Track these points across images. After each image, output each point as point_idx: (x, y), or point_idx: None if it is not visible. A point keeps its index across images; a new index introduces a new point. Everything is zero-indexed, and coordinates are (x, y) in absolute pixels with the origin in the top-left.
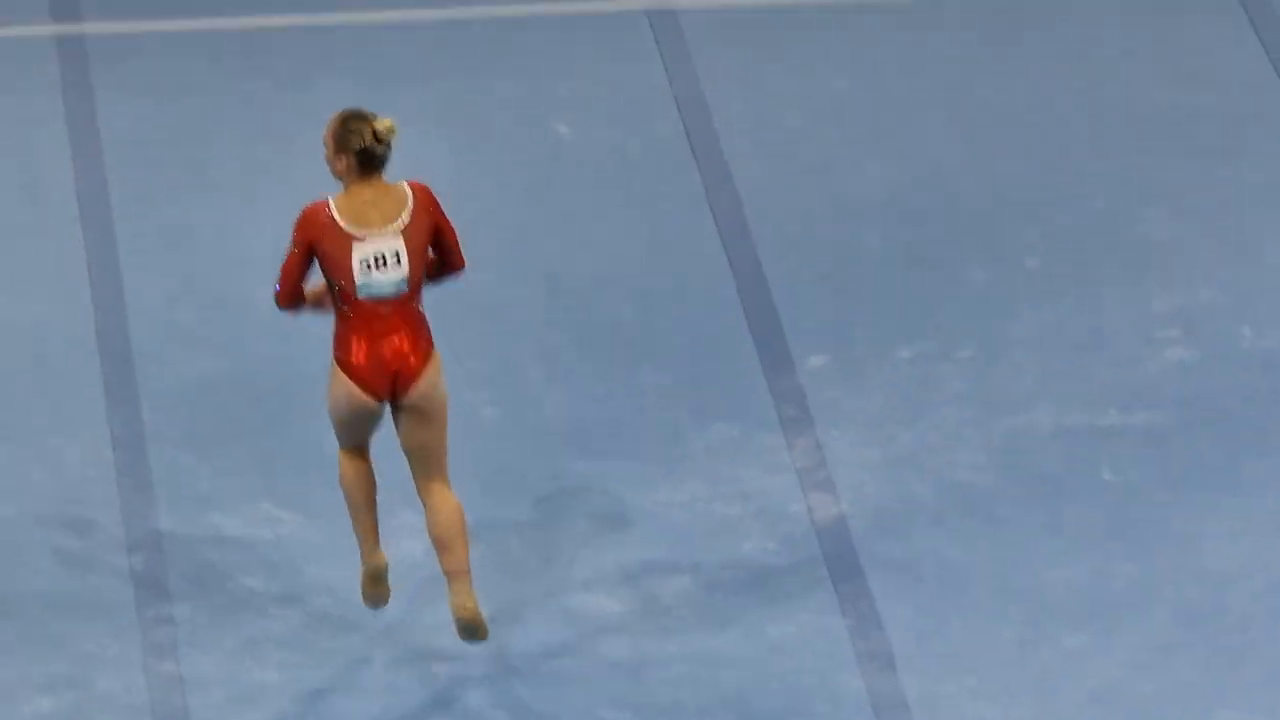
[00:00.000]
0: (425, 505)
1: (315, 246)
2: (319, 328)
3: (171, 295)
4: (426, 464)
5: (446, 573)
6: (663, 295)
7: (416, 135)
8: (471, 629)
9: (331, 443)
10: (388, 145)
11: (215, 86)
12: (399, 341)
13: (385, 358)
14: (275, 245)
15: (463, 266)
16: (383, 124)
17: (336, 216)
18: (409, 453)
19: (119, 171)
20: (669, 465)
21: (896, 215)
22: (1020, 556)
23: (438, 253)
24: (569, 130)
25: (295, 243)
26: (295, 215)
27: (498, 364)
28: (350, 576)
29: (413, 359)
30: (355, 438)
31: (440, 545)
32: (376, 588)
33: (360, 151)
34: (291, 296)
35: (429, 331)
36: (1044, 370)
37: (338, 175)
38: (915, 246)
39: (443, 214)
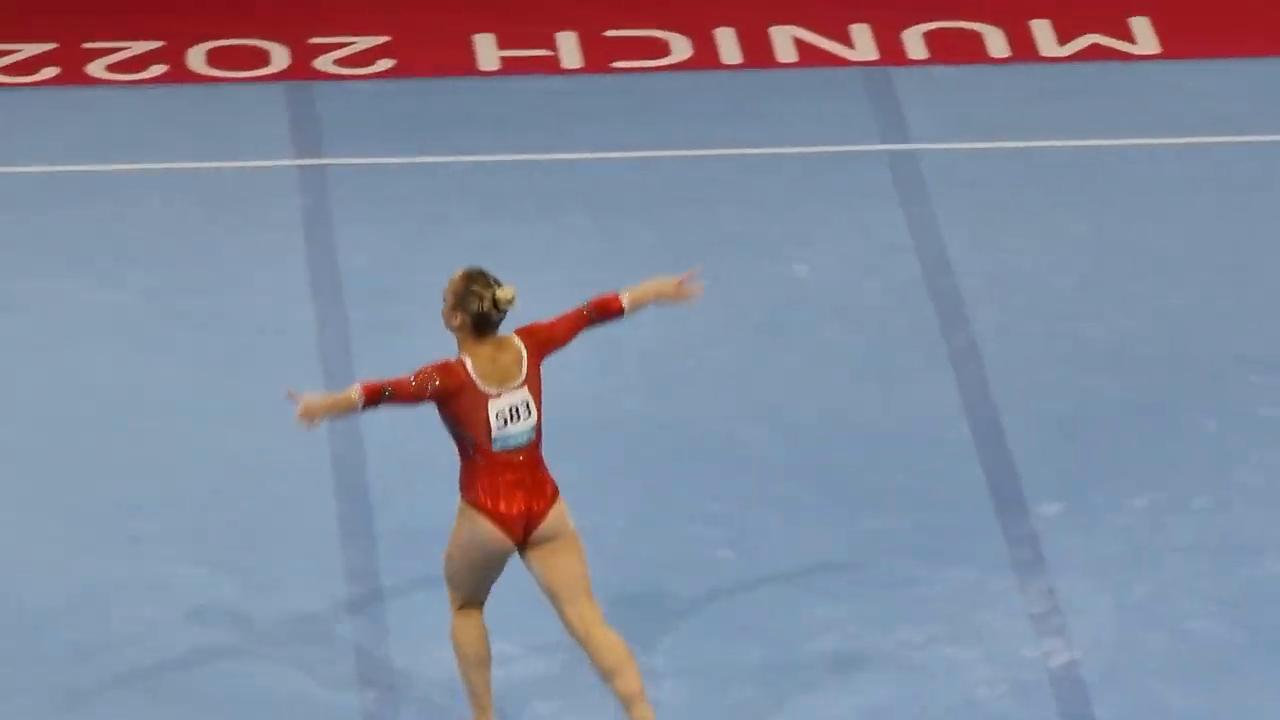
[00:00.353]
0: (587, 643)
1: (446, 401)
2: (573, 466)
3: (406, 430)
4: (575, 598)
5: (625, 697)
6: (896, 438)
7: (650, 271)
8: None
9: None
10: (504, 314)
11: (454, 219)
12: (529, 483)
13: (519, 499)
14: None
15: (609, 303)
16: (504, 293)
17: (474, 375)
18: (554, 592)
19: (356, 303)
20: (905, 608)
21: (1130, 362)
22: (1254, 711)
23: (580, 332)
24: (806, 270)
25: (431, 388)
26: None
27: (732, 505)
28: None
29: (543, 498)
30: (480, 586)
31: (613, 674)
32: None
33: (478, 314)
34: (386, 402)
35: (549, 473)
36: (1278, 520)
37: (451, 329)
38: (1148, 394)
39: (546, 335)
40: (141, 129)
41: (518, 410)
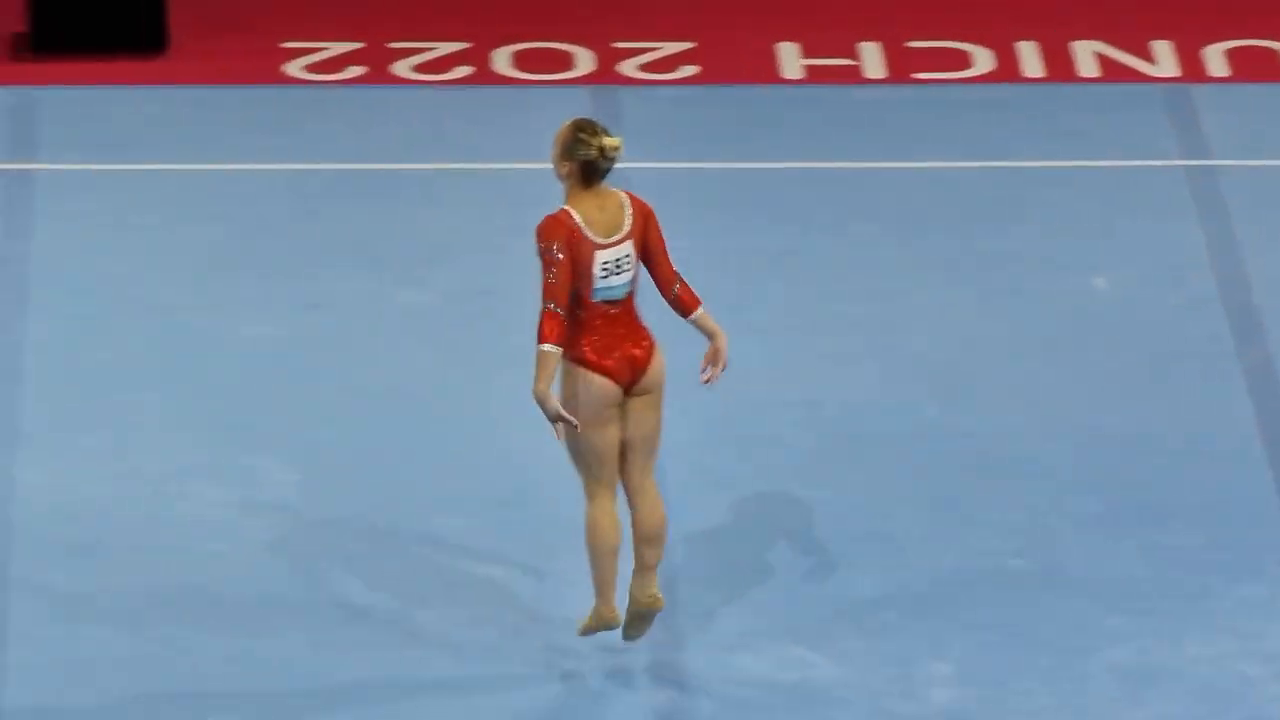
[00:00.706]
0: (637, 502)
1: (569, 249)
2: (865, 477)
3: (705, 436)
4: (649, 457)
5: (644, 567)
6: (1189, 453)
7: (945, 282)
8: (648, 615)
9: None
10: (612, 161)
11: (751, 226)
12: (631, 334)
13: (624, 349)
14: (805, 389)
15: (688, 297)
16: (611, 141)
17: (581, 224)
18: (634, 446)
19: (658, 306)
20: (1195, 623)
21: None
22: None
23: (647, 263)
24: (1103, 283)
25: (556, 250)
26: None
27: (1024, 516)
28: None
29: (644, 346)
30: (604, 454)
31: (646, 540)
32: (596, 632)
33: (585, 162)
34: (562, 323)
35: (645, 324)
36: None
37: (560, 178)
38: None
39: (657, 225)
40: (446, 129)
41: (620, 262)
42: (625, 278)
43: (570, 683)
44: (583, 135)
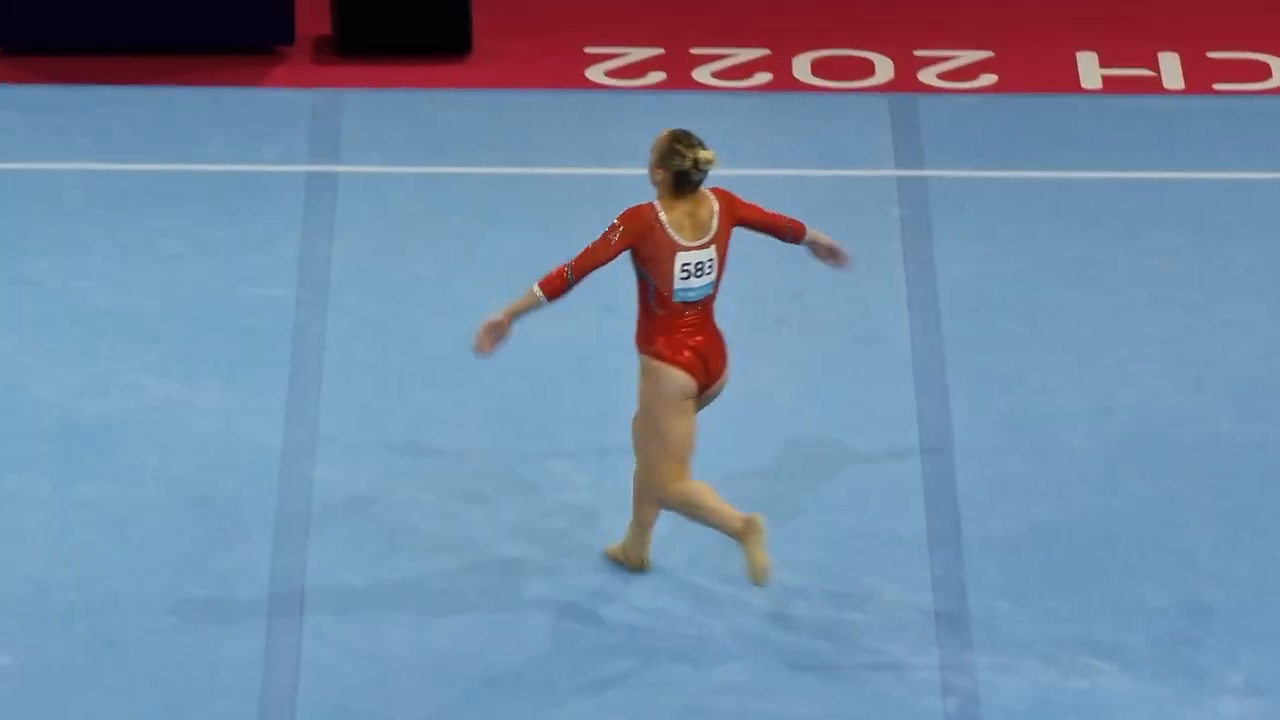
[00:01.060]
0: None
1: (636, 247)
2: (1158, 486)
3: (999, 442)
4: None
5: (645, 524)
6: None
7: (1242, 292)
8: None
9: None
10: (704, 174)
11: (1048, 234)
12: (706, 336)
13: (702, 349)
14: (1098, 397)
15: (798, 227)
16: (706, 154)
17: (665, 223)
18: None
19: (953, 315)
20: None
21: None
22: None
23: (765, 231)
24: None
25: (617, 235)
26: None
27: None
28: None
29: (719, 354)
30: (684, 440)
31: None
32: (760, 552)
33: (679, 172)
34: (575, 283)
35: (720, 330)
36: None
37: (654, 184)
38: None
39: (744, 206)
40: (746, 135)
41: (703, 265)
42: (705, 280)
43: (856, 685)
44: (679, 146)
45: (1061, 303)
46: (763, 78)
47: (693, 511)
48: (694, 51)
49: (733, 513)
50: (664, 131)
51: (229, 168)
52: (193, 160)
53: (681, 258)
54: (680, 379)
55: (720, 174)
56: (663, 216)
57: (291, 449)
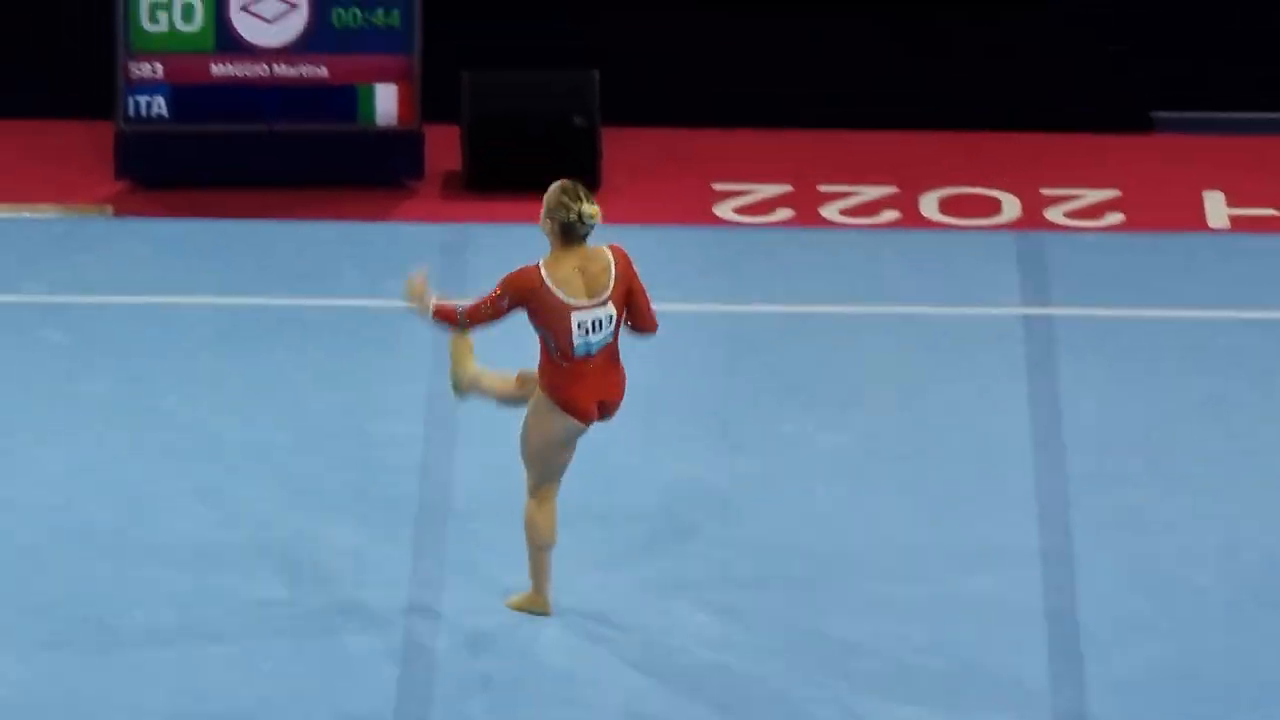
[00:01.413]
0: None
1: (527, 307)
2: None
3: (1123, 580)
4: (563, 472)
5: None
6: None
7: None
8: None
9: None
10: (589, 228)
11: (1175, 371)
12: (604, 379)
13: (595, 392)
14: (1225, 536)
15: (654, 329)
16: (590, 209)
17: (550, 285)
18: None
19: (1077, 452)
20: None
21: None
22: None
23: (630, 315)
24: None
25: (501, 298)
26: None
27: None
28: None
29: (615, 388)
30: (555, 467)
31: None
32: (524, 611)
33: (564, 224)
34: (465, 329)
35: (621, 364)
36: None
37: (545, 234)
38: None
39: (637, 278)
40: (872, 271)
41: (600, 322)
42: (603, 335)
43: None
44: (565, 199)
45: (1188, 442)
46: (890, 215)
47: (530, 537)
48: (822, 189)
49: (543, 582)
50: (555, 183)
51: (359, 302)
52: (323, 294)
53: (576, 317)
54: (575, 426)
55: (839, 310)
56: (548, 278)
57: (418, 584)
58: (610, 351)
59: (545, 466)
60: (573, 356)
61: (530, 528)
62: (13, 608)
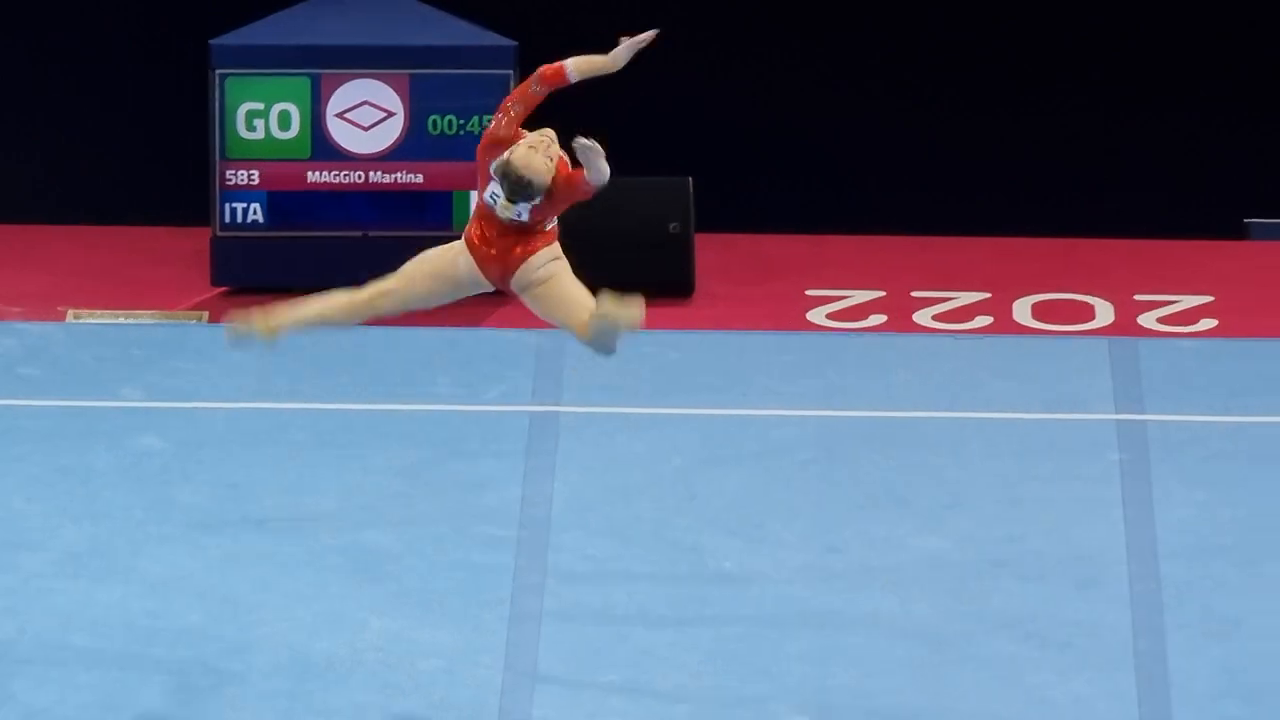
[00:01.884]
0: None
1: (489, 147)
2: None
3: (1217, 687)
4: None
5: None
6: None
7: None
8: None
9: None
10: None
11: (1274, 481)
12: (513, 241)
13: (498, 247)
14: None
15: (593, 188)
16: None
17: (510, 155)
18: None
19: (1171, 560)
20: None
21: None
22: None
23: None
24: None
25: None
26: None
27: None
28: None
29: (522, 253)
30: (414, 294)
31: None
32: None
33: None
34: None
35: (541, 243)
36: None
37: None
38: None
39: (564, 180)
40: (965, 377)
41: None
42: (515, 211)
43: None
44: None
45: None
46: (983, 320)
47: (329, 306)
48: (915, 295)
49: (301, 316)
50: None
51: (454, 407)
52: (419, 400)
53: (492, 187)
54: (467, 266)
55: (932, 416)
56: (513, 152)
57: (510, 688)
58: (531, 230)
59: (410, 282)
60: (484, 208)
61: (350, 303)
62: (112, 717)
